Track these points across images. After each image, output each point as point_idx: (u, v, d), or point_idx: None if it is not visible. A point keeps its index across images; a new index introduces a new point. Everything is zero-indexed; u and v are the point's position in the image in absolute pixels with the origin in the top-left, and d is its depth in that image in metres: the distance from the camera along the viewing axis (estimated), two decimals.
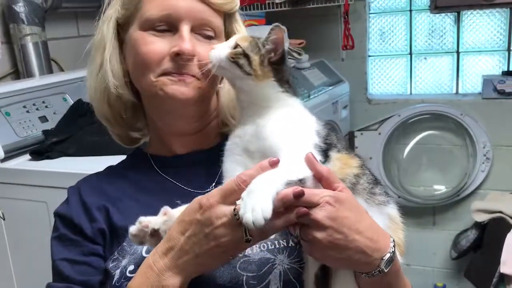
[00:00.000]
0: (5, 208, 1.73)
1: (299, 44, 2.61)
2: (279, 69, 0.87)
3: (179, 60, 0.90)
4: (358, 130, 2.95)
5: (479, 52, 2.95)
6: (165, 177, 1.01)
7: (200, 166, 1.00)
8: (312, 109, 0.94)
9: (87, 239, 0.95)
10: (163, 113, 0.98)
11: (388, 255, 0.78)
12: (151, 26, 0.92)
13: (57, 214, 1.02)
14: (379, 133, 2.90)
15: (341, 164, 0.84)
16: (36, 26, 2.19)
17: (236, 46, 0.86)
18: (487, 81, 2.78)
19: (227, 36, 0.99)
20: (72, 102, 2.05)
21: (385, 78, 3.16)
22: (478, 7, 2.84)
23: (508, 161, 2.81)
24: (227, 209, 0.72)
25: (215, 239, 0.73)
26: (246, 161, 0.85)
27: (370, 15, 3.08)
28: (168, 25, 0.92)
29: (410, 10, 3.02)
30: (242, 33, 1.01)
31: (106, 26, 0.97)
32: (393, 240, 0.80)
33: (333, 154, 0.84)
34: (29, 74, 2.22)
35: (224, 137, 0.98)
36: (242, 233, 0.71)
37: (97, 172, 1.07)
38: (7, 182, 1.72)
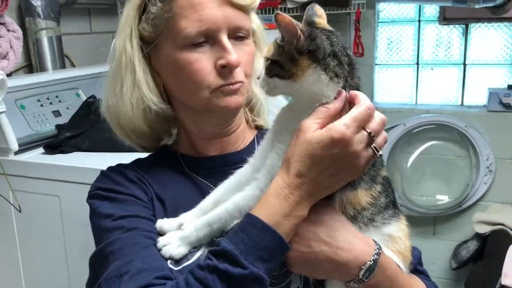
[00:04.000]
0: (18, 201, 1.74)
1: None
2: (315, 49, 0.77)
3: (226, 71, 0.91)
4: None
5: (485, 65, 2.98)
6: (195, 177, 1.01)
7: (234, 167, 0.97)
8: None
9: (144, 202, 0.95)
10: (205, 122, 1.00)
11: (368, 263, 0.78)
12: (190, 42, 0.90)
13: (98, 188, 0.98)
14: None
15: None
16: (51, 20, 2.20)
17: (265, 60, 0.82)
18: (493, 94, 2.81)
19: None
20: (85, 98, 2.06)
21: (391, 87, 3.19)
22: (486, 20, 2.87)
23: (510, 174, 2.84)
24: (363, 135, 0.75)
25: (353, 167, 0.76)
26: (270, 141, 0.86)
27: (379, 23, 3.11)
28: (206, 37, 0.91)
29: (419, 21, 3.05)
30: (256, 23, 1.01)
31: (129, 44, 0.96)
32: (378, 248, 0.80)
33: None
34: (42, 68, 2.23)
35: (259, 131, 1.05)
36: (374, 151, 0.77)
37: (125, 164, 1.06)
38: (21, 175, 1.73)
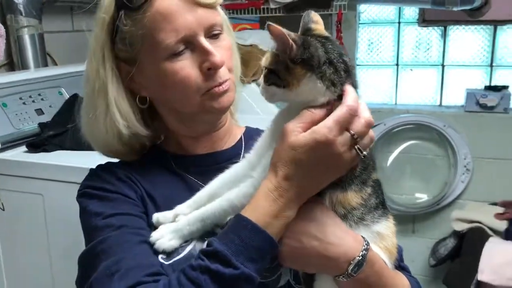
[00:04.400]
0: (1, 199, 1.72)
1: None
2: (309, 57, 0.77)
3: (212, 72, 0.92)
4: None
5: (463, 66, 3.05)
6: (185, 176, 1.02)
7: (223, 165, 0.97)
8: None
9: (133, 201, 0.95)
10: (198, 122, 1.01)
11: (357, 258, 0.81)
12: (171, 52, 0.90)
13: (87, 186, 0.98)
14: None
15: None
16: (33, 18, 2.18)
17: (263, 68, 0.83)
18: (470, 94, 2.87)
19: None
20: (68, 96, 2.05)
21: (372, 87, 3.23)
22: (464, 22, 2.94)
23: (487, 173, 2.90)
24: (347, 137, 0.77)
25: (337, 167, 0.79)
26: (267, 140, 0.88)
27: (360, 25, 3.15)
28: (185, 44, 0.91)
29: (399, 22, 3.11)
30: (221, 16, 0.99)
31: (102, 68, 0.95)
32: (367, 244, 0.83)
33: None
34: (24, 66, 2.21)
35: (247, 131, 1.06)
36: (358, 152, 0.79)
37: (114, 162, 1.07)
38: (4, 174, 1.71)
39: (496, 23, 2.91)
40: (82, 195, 0.97)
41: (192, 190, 0.94)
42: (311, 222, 0.81)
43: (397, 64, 3.17)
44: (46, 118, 1.94)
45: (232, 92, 0.96)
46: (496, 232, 2.58)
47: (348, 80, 0.79)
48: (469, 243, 2.64)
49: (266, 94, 0.83)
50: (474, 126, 2.88)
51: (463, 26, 2.98)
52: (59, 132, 1.82)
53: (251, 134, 1.05)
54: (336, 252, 0.80)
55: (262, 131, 0.92)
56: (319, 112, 0.78)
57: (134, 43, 0.92)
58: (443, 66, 3.07)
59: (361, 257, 0.81)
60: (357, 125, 0.77)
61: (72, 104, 1.92)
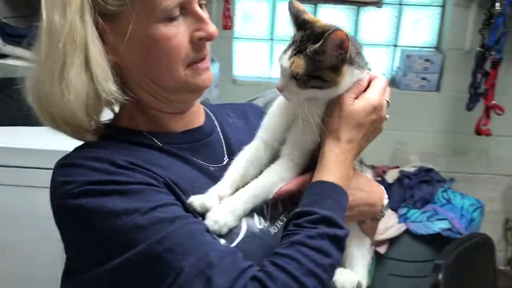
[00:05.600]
0: None
1: None
2: (352, 59, 0.86)
3: (201, 43, 0.86)
4: None
5: None
6: (183, 155, 0.91)
7: (205, 140, 0.97)
8: None
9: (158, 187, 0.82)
10: (178, 99, 0.92)
11: (385, 201, 0.96)
12: (168, 16, 0.81)
13: (88, 182, 0.77)
14: None
15: None
16: None
17: (296, 73, 0.83)
18: None
19: None
20: None
21: (248, 60, 3.34)
22: (332, 2, 3.18)
23: None
24: (385, 102, 0.91)
25: (379, 129, 0.92)
26: (289, 124, 0.92)
27: None
28: (180, 9, 0.83)
29: None
30: None
31: (80, 19, 0.79)
32: (384, 189, 0.98)
33: None
34: None
35: (206, 105, 1.04)
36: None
37: (91, 149, 0.86)
38: None
39: (358, 4, 3.19)
40: (84, 194, 0.77)
41: (199, 169, 0.91)
42: (353, 179, 0.90)
43: (271, 39, 3.30)
44: None
45: (210, 69, 0.92)
46: None
47: (364, 59, 0.91)
48: None
49: (298, 97, 0.85)
50: None
51: (331, 5, 3.20)
52: None
53: (213, 110, 1.05)
54: (376, 198, 0.94)
55: (216, 105, 1.00)
56: (364, 84, 0.89)
57: None
58: None
59: (387, 199, 0.97)
60: (387, 94, 0.92)
61: None
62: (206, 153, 0.95)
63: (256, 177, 0.89)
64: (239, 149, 0.94)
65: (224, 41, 3.08)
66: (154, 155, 0.87)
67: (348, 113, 0.87)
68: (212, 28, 0.85)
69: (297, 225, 0.78)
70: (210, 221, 0.81)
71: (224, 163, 0.96)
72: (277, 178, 0.89)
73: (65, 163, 0.83)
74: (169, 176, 0.83)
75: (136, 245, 0.73)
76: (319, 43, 0.80)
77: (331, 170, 0.85)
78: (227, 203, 0.85)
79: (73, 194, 0.77)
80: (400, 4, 3.26)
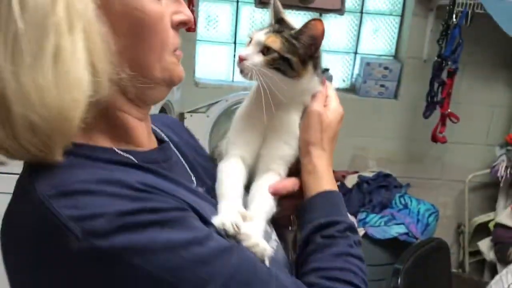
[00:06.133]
0: None
1: None
2: (317, 61, 0.88)
3: (178, 29, 0.75)
4: (188, 112, 3.06)
5: None
6: (167, 174, 0.74)
7: (174, 158, 0.85)
8: None
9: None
10: (152, 97, 0.76)
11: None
12: None
13: (123, 213, 0.60)
14: (208, 116, 3.06)
15: None
16: None
17: (267, 48, 0.82)
18: None
19: None
20: None
21: (211, 63, 3.32)
22: (295, 8, 3.20)
23: None
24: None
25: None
26: (258, 133, 0.92)
27: (200, 1, 3.20)
28: None
29: (237, 1, 3.24)
30: None
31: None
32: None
33: None
34: None
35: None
36: None
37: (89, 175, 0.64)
38: None
39: (321, 11, 3.23)
40: (122, 230, 0.58)
41: (190, 190, 0.75)
42: None
43: (234, 42, 3.31)
44: None
45: None
46: None
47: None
48: None
49: (256, 73, 0.83)
50: None
51: (295, 11, 3.23)
52: None
53: (161, 121, 0.94)
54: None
55: (165, 116, 0.93)
56: (325, 92, 0.93)
57: None
58: None
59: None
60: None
61: None
62: (180, 173, 0.83)
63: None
64: (199, 165, 0.91)
65: (187, 43, 3.06)
66: (147, 176, 0.69)
67: (327, 126, 0.91)
68: (189, 11, 0.75)
69: (329, 236, 0.81)
70: (253, 245, 0.72)
71: (195, 183, 0.85)
72: (272, 199, 0.88)
73: (66, 192, 0.60)
74: (182, 197, 0.68)
75: (208, 283, 0.61)
76: (300, 27, 0.84)
77: (325, 180, 0.89)
78: (257, 225, 0.79)
79: (105, 231, 0.57)
80: (361, 12, 3.33)
